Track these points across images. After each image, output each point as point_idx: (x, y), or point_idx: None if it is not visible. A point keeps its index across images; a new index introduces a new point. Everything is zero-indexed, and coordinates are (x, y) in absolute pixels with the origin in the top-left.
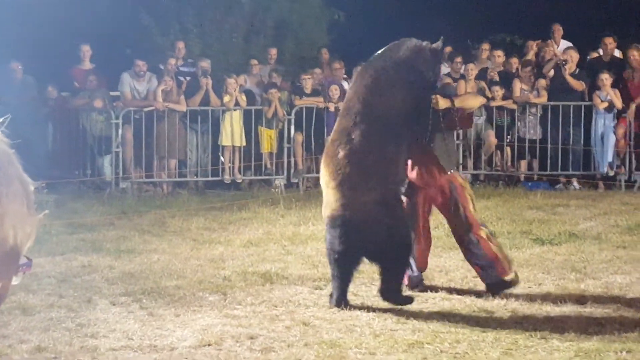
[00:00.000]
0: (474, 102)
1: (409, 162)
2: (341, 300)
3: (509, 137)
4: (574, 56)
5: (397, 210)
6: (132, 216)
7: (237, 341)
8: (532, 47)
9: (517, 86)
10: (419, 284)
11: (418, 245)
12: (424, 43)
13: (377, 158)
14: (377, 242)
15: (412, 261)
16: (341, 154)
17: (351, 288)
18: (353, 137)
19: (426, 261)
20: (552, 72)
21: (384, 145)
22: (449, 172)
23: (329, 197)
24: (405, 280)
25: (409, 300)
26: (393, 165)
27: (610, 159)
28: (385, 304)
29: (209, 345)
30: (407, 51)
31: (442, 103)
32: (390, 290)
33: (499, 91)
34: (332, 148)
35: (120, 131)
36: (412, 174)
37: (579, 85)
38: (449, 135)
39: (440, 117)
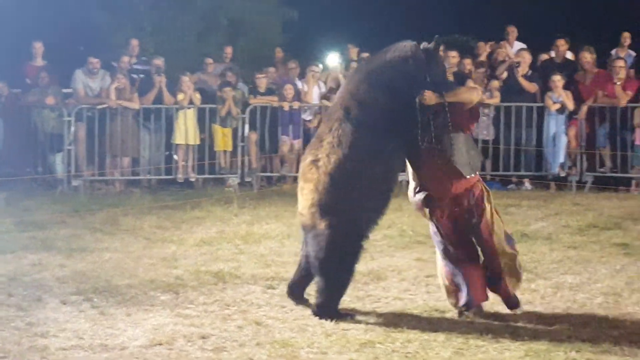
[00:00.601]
0: (469, 95)
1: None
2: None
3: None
4: (527, 58)
5: (344, 219)
6: (84, 214)
7: (189, 341)
8: (485, 48)
9: (470, 85)
10: (477, 312)
11: (464, 268)
12: (415, 44)
13: (350, 165)
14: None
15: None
16: (308, 159)
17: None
18: (325, 143)
19: (483, 289)
20: (505, 74)
21: (359, 151)
22: (466, 177)
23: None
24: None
25: (342, 316)
26: (368, 172)
27: (561, 159)
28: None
29: (160, 344)
30: (393, 53)
31: (431, 98)
32: (317, 305)
33: None
34: (307, 151)
35: (72, 129)
36: (429, 184)
37: (531, 87)
38: (465, 138)
39: (432, 115)
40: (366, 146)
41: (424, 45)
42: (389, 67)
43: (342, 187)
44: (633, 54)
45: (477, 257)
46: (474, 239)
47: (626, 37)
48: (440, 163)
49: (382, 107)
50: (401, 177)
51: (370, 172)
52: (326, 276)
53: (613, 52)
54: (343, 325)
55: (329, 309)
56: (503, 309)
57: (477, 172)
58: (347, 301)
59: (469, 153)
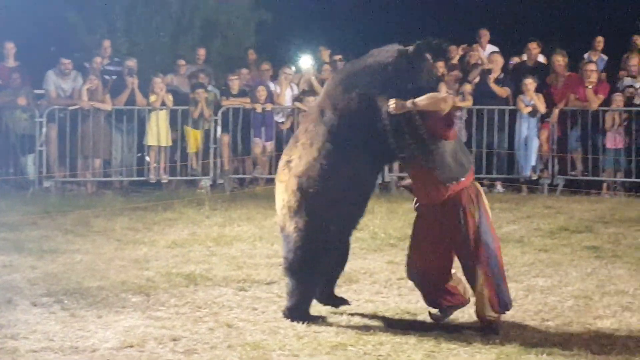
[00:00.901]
0: (438, 104)
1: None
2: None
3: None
4: (499, 61)
5: (312, 221)
6: (56, 216)
7: (160, 343)
8: (457, 51)
9: (443, 90)
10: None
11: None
12: (399, 49)
13: (319, 168)
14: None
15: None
16: (283, 160)
17: (275, 290)
18: (299, 144)
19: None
20: (477, 79)
21: (329, 154)
22: (447, 185)
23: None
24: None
25: (313, 318)
26: (337, 176)
27: (533, 162)
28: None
29: (131, 347)
30: (374, 58)
31: (398, 107)
32: (288, 307)
33: None
34: (284, 151)
35: (44, 130)
36: (417, 193)
37: (503, 92)
38: (454, 144)
39: (405, 123)
40: (336, 150)
41: (408, 49)
42: (367, 72)
43: (310, 189)
44: (605, 57)
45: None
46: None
47: (599, 42)
48: (424, 170)
49: (355, 112)
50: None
51: (339, 176)
52: (295, 278)
53: (586, 55)
54: (315, 327)
55: (299, 311)
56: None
57: (468, 174)
58: (318, 304)
59: (455, 159)
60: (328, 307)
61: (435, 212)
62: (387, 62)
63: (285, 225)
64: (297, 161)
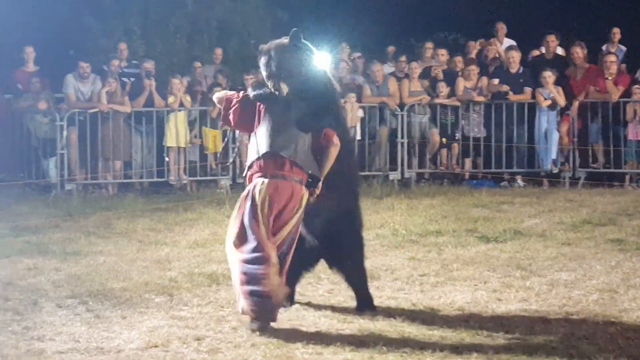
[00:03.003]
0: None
1: None
2: None
3: (456, 135)
4: (515, 56)
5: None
6: (78, 218)
7: (184, 343)
8: (475, 46)
9: (461, 84)
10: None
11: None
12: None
13: None
14: None
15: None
16: None
17: (297, 288)
18: None
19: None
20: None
21: None
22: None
23: None
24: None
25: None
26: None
27: (554, 156)
28: (332, 303)
29: (155, 347)
30: None
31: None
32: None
33: (444, 87)
34: None
35: (64, 133)
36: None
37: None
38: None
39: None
40: None
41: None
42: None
43: None
44: (624, 48)
45: None
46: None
47: (616, 33)
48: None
49: None
50: (392, 175)
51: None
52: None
53: (604, 47)
54: (337, 325)
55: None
56: (498, 306)
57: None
58: (341, 301)
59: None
60: (352, 305)
61: None
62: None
63: None
64: None
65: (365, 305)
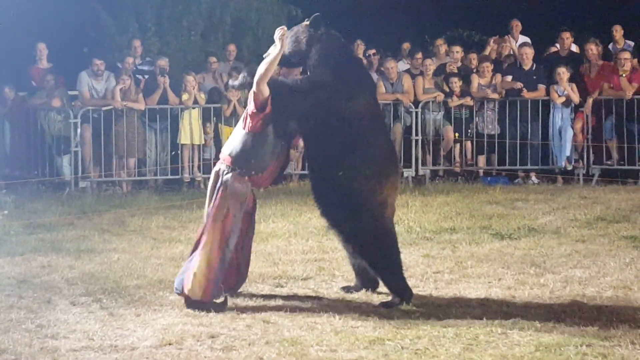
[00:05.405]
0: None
1: None
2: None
3: (469, 131)
4: (528, 52)
5: None
6: (92, 216)
7: (198, 340)
8: (491, 43)
9: (475, 81)
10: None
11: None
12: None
13: None
14: None
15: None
16: None
17: (311, 285)
18: None
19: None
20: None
21: None
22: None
23: None
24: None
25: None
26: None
27: (568, 153)
28: (347, 300)
29: (169, 344)
30: None
31: None
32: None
33: (457, 83)
34: None
35: (78, 130)
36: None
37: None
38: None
39: None
40: None
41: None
42: None
43: None
44: (631, 43)
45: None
46: None
47: (617, 30)
48: None
49: None
50: (406, 172)
51: None
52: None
53: (610, 46)
54: (352, 322)
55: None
56: (512, 303)
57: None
58: (355, 298)
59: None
60: (368, 301)
61: None
62: None
63: None
64: None
65: (396, 297)
